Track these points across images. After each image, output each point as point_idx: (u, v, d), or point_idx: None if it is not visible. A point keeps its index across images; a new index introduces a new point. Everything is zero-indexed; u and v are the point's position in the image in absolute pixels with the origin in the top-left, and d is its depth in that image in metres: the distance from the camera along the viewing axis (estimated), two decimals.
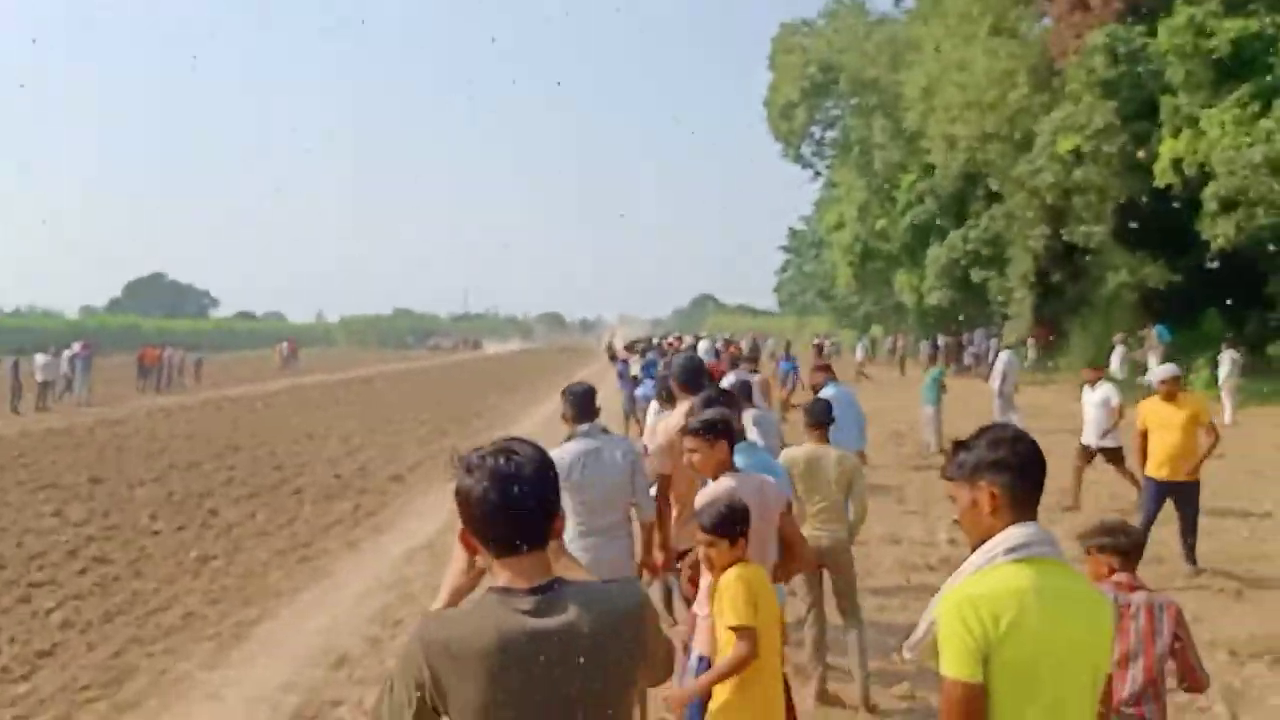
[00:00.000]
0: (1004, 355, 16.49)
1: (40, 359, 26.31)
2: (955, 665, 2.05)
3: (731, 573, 3.43)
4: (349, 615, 7.54)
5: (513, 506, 1.89)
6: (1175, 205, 21.18)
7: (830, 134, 41.78)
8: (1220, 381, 18.28)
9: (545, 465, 1.96)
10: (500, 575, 1.92)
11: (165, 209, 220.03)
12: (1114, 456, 10.60)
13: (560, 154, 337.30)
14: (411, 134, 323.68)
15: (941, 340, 34.88)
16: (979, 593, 2.08)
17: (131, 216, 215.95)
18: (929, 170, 33.89)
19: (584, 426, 4.90)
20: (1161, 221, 22.66)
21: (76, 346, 30.67)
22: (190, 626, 7.24)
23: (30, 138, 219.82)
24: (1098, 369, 11.96)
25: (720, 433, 3.97)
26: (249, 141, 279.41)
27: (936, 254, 35.25)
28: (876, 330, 51.77)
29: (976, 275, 33.53)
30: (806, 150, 41.68)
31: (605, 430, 5.01)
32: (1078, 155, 22.82)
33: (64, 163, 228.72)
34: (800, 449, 5.56)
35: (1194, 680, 3.41)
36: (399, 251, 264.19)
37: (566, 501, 4.78)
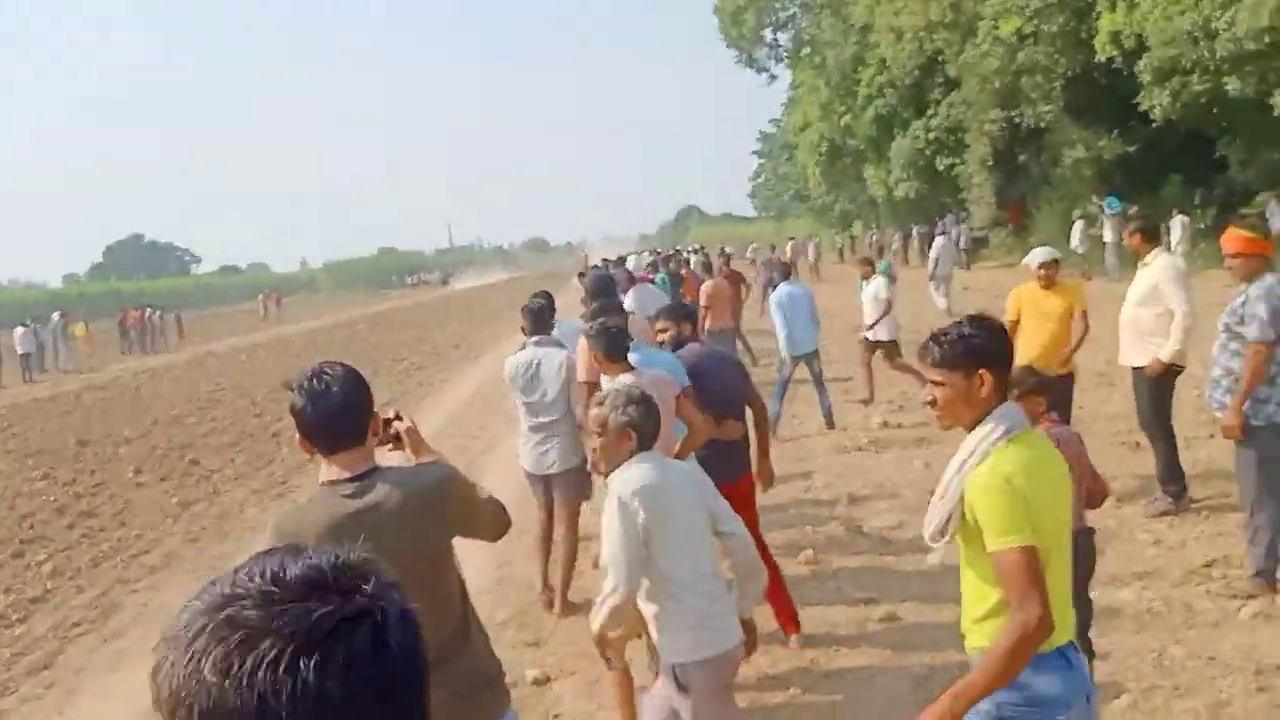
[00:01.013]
0: (938, 241, 17.68)
1: (19, 332, 26.69)
2: (1013, 534, 2.31)
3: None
4: None
5: (326, 415, 2.40)
6: (1123, 76, 21.36)
7: (783, 35, 41.48)
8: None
9: (351, 379, 2.48)
10: (329, 470, 2.43)
11: (138, 168, 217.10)
12: (890, 350, 10.69)
13: (536, 77, 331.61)
14: (381, 69, 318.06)
15: (916, 231, 35.19)
16: (1012, 469, 2.38)
17: (105, 180, 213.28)
18: (885, 64, 33.83)
19: (534, 339, 5.79)
20: (1112, 95, 22.87)
21: (55, 317, 31.09)
22: (171, 565, 7.83)
23: None
24: (868, 262, 12.39)
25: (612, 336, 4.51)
26: (219, 92, 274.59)
27: (901, 146, 35.37)
28: (857, 227, 52.01)
29: (941, 164, 33.71)
30: (760, 54, 41.42)
31: (558, 344, 5.77)
32: (1021, 37, 22.92)
33: (32, 130, 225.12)
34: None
35: (1102, 490, 3.97)
36: (380, 191, 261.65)
37: (517, 400, 5.71)
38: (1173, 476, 6.40)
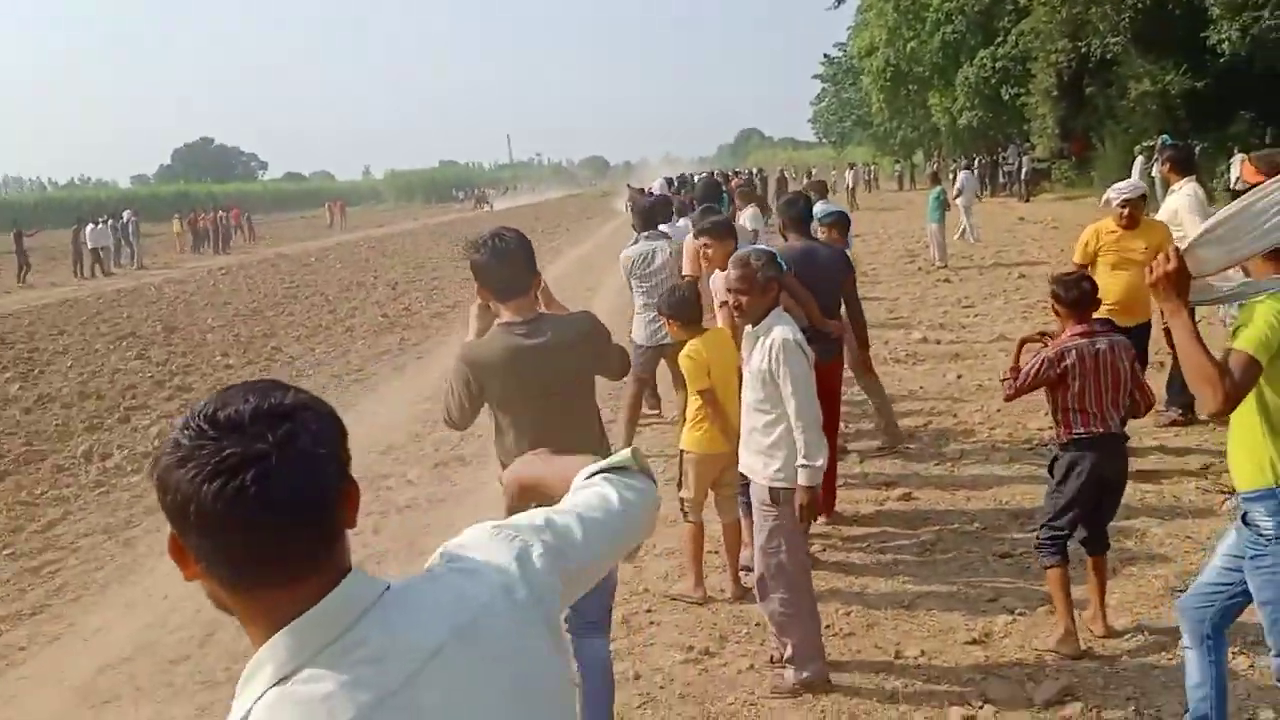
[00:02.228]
0: (961, 174, 19.45)
1: (91, 228, 27.77)
2: (1257, 346, 2.72)
3: (684, 350, 4.63)
4: (396, 417, 8.95)
5: (505, 266, 3.06)
6: (1194, 8, 21.02)
7: None
8: (1231, 183, 18.71)
9: (523, 241, 3.11)
10: (504, 313, 3.13)
11: (210, 72, 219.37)
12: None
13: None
14: None
15: (978, 160, 34.91)
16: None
17: (176, 84, 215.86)
18: None
19: (644, 233, 6.89)
20: (1181, 28, 22.49)
21: (126, 215, 32.30)
22: None
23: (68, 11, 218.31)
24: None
25: (725, 231, 5.21)
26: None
27: (967, 74, 34.90)
28: (918, 156, 51.39)
29: (1006, 93, 33.28)
30: None
31: (664, 235, 6.91)
32: None
33: (105, 33, 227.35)
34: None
35: (1148, 399, 4.32)
36: (442, 104, 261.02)
37: (633, 284, 6.88)
38: (1184, 390, 6.86)
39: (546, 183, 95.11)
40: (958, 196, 18.90)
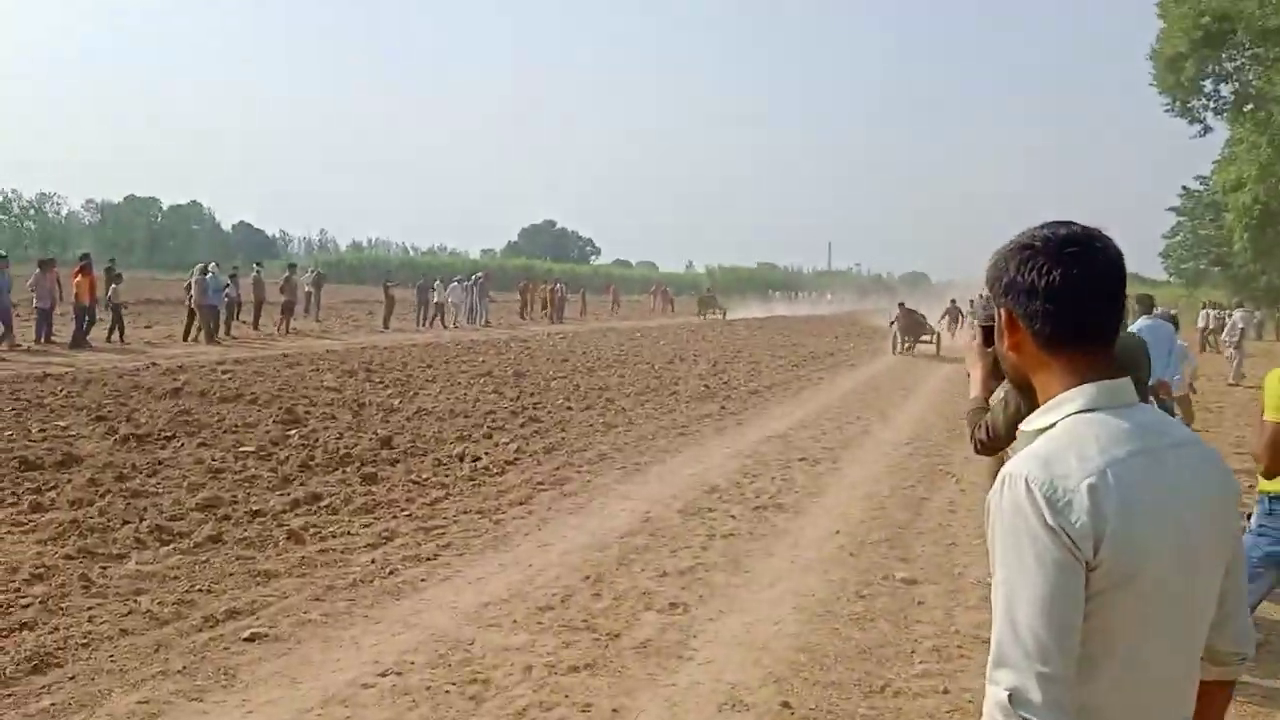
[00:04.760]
0: (1235, 314, 21.53)
1: (453, 287, 32.26)
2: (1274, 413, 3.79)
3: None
4: (717, 465, 9.71)
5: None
6: None
7: (1224, 87, 38.35)
8: None
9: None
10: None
11: (556, 162, 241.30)
12: None
13: (918, 117, 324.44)
14: (775, 91, 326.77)
15: None
16: None
17: (528, 172, 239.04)
18: None
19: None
20: None
21: (478, 276, 36.42)
22: (603, 461, 9.74)
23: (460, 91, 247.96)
24: None
25: None
26: (629, 102, 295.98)
27: None
28: None
29: None
30: (1196, 104, 38.59)
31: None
32: None
33: (464, 123, 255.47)
34: None
35: None
36: (763, 206, 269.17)
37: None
38: None
39: (845, 291, 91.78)
40: (1233, 335, 19.79)
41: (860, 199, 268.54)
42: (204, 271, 21.91)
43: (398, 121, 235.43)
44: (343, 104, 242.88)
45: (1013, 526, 1.33)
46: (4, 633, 4.76)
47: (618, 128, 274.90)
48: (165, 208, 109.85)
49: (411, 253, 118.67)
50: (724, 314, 47.62)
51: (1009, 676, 1.30)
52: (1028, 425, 1.47)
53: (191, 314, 22.06)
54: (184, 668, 4.46)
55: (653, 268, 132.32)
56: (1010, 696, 1.29)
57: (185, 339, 21.55)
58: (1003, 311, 1.50)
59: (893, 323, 27.72)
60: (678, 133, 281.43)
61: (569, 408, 13.33)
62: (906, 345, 26.99)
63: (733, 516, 7.71)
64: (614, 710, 4.19)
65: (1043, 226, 1.46)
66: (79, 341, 19.37)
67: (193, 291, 21.83)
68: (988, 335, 3.16)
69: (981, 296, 18.49)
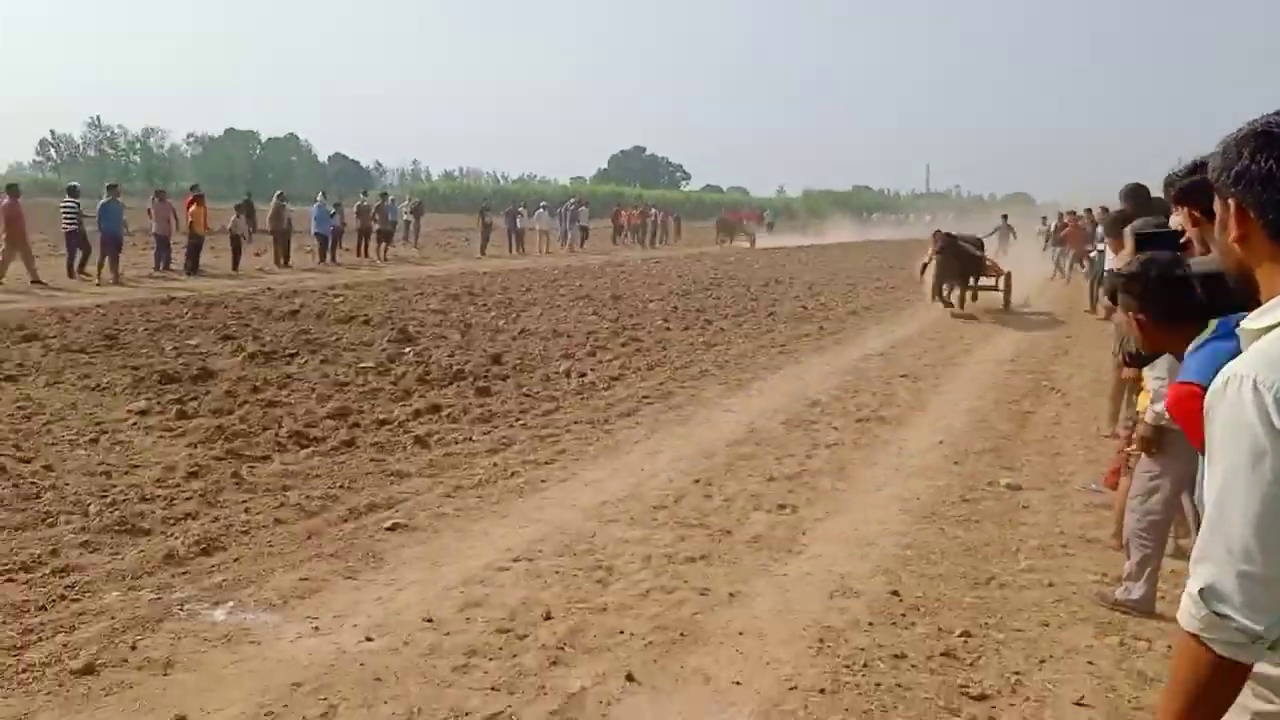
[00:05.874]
0: None
1: (541, 213, 32.81)
2: None
3: None
4: (818, 381, 9.87)
5: None
6: None
7: None
8: None
9: None
10: None
11: (646, 86, 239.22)
12: None
13: (1039, 32, 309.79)
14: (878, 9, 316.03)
15: None
16: None
17: (618, 97, 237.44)
18: None
19: None
20: None
21: (571, 203, 36.71)
22: (705, 378, 9.97)
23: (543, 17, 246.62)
24: None
25: None
26: (747, 21, 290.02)
27: None
28: None
29: None
30: None
31: None
32: None
33: (561, 50, 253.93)
34: None
35: None
36: (861, 127, 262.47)
37: None
38: None
39: (944, 214, 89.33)
40: None
41: (957, 121, 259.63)
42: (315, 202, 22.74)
43: (489, 54, 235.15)
44: (433, 37, 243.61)
45: (1234, 423, 1.33)
46: (171, 521, 5.25)
47: (708, 46, 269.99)
48: (264, 140, 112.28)
49: (502, 181, 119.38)
50: (752, 241, 41.84)
51: (1208, 570, 1.32)
52: (1250, 323, 1.44)
53: (275, 240, 23.11)
54: (335, 552, 4.87)
55: (744, 193, 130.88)
56: (1205, 590, 1.31)
57: (277, 264, 22.51)
58: (1231, 201, 1.45)
59: (925, 264, 16.66)
60: (765, 51, 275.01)
61: (668, 328, 13.56)
62: (951, 294, 16.42)
63: (835, 428, 7.88)
64: (730, 594, 4.47)
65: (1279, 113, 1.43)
66: (193, 267, 20.33)
67: (270, 218, 23.32)
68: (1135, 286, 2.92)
69: (1104, 210, 17.18)
